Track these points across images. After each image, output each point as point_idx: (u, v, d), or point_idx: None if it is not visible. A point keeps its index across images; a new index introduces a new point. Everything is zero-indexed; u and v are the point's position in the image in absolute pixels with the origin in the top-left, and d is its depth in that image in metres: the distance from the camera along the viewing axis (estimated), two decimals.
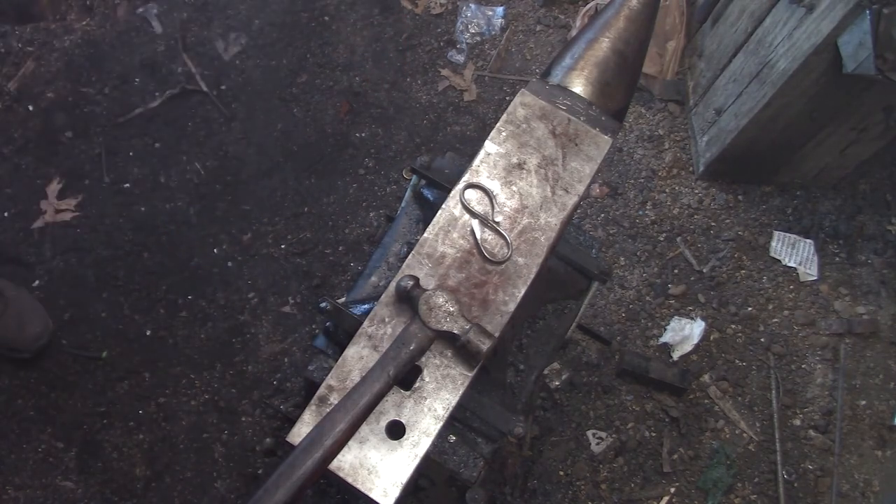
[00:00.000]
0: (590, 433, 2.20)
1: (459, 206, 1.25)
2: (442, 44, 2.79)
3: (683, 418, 2.23)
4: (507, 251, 1.23)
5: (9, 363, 2.15)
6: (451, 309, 1.11)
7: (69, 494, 2.04)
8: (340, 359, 1.14)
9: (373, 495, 1.06)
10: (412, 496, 1.31)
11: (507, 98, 2.66)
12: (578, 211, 2.40)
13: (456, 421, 1.26)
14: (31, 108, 2.55)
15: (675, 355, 2.31)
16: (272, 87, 2.65)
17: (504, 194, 1.27)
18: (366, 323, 1.16)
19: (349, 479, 1.06)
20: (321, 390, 1.11)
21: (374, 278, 1.41)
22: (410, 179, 1.54)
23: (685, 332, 2.33)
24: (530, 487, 2.11)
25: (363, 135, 2.58)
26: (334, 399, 1.10)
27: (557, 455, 2.16)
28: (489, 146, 1.31)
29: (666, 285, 2.42)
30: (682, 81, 2.69)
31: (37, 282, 2.29)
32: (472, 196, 1.27)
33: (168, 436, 2.13)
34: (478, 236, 1.23)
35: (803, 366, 2.33)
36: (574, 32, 2.78)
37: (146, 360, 2.21)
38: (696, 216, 2.54)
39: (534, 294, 1.24)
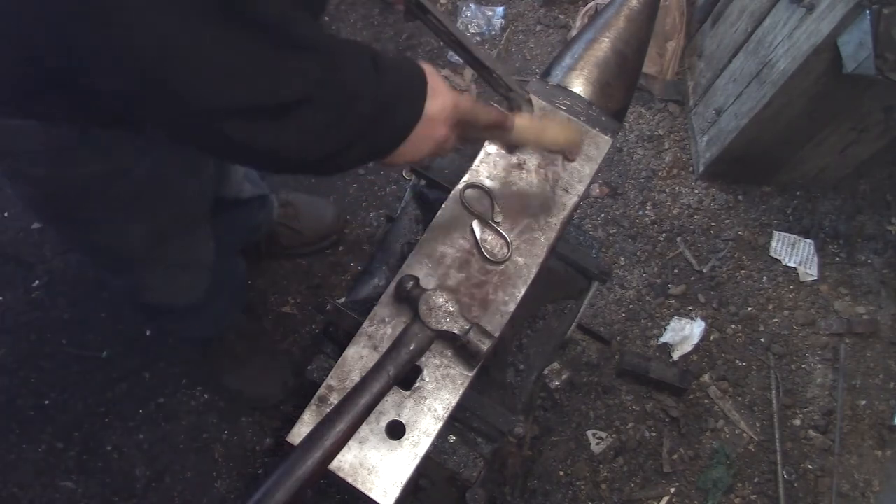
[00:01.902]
0: (590, 433, 2.20)
1: (459, 206, 1.25)
2: (442, 44, 2.78)
3: (683, 418, 2.23)
4: (507, 251, 1.23)
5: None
6: (451, 309, 1.12)
7: (69, 494, 2.04)
8: (340, 359, 1.14)
9: (373, 495, 1.06)
10: (412, 496, 1.32)
11: None
12: (578, 211, 2.40)
13: (456, 421, 1.26)
14: None
15: (675, 355, 2.31)
16: None
17: (504, 194, 1.27)
18: (366, 323, 1.16)
19: (349, 479, 1.07)
20: (321, 390, 1.12)
21: (374, 278, 1.41)
22: (410, 179, 1.54)
23: (685, 332, 2.33)
24: (530, 487, 2.11)
25: None
26: (334, 399, 1.10)
27: (557, 455, 2.16)
28: (489, 146, 1.31)
29: (666, 285, 2.42)
30: (682, 81, 2.69)
31: (37, 282, 2.28)
32: (472, 196, 1.27)
33: (168, 436, 2.13)
34: (478, 236, 1.23)
35: (803, 366, 2.33)
36: (574, 32, 2.78)
37: (146, 360, 2.21)
38: (696, 216, 2.54)
39: (534, 294, 1.24)
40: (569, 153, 1.26)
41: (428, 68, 1.04)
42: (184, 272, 1.62)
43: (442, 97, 1.03)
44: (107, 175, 1.20)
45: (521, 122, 1.16)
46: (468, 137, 1.14)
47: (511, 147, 1.25)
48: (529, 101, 1.24)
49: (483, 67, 1.23)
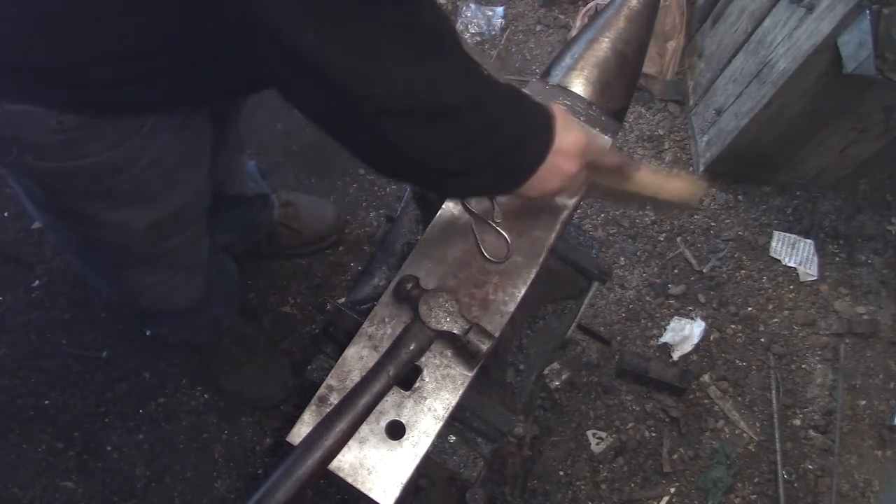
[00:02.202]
0: (590, 433, 2.20)
1: (459, 206, 1.25)
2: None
3: (683, 418, 2.23)
4: (507, 251, 1.23)
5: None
6: (451, 309, 1.12)
7: (69, 494, 2.04)
8: (340, 359, 1.14)
9: (373, 495, 1.06)
10: (412, 496, 1.32)
11: None
12: (578, 211, 2.40)
13: (456, 421, 1.26)
14: None
15: (675, 355, 2.31)
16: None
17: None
18: (366, 323, 1.16)
19: (349, 479, 1.07)
20: (321, 390, 1.12)
21: (374, 278, 1.41)
22: None
23: (685, 332, 2.33)
24: (530, 487, 2.11)
25: None
26: (334, 399, 1.10)
27: (557, 455, 2.16)
28: None
29: (666, 285, 2.42)
30: (682, 81, 2.69)
31: (37, 282, 2.29)
32: None
33: (168, 436, 2.13)
34: (478, 236, 1.23)
35: (803, 366, 2.33)
36: (574, 32, 2.78)
37: (146, 360, 2.21)
38: (696, 216, 2.54)
39: (534, 294, 1.24)
40: (684, 208, 1.27)
41: (557, 107, 1.09)
42: (179, 272, 1.63)
43: (575, 133, 1.08)
44: (110, 168, 1.21)
45: (643, 175, 1.18)
46: (594, 181, 1.17)
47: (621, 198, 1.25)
48: None
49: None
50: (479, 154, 0.98)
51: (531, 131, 1.04)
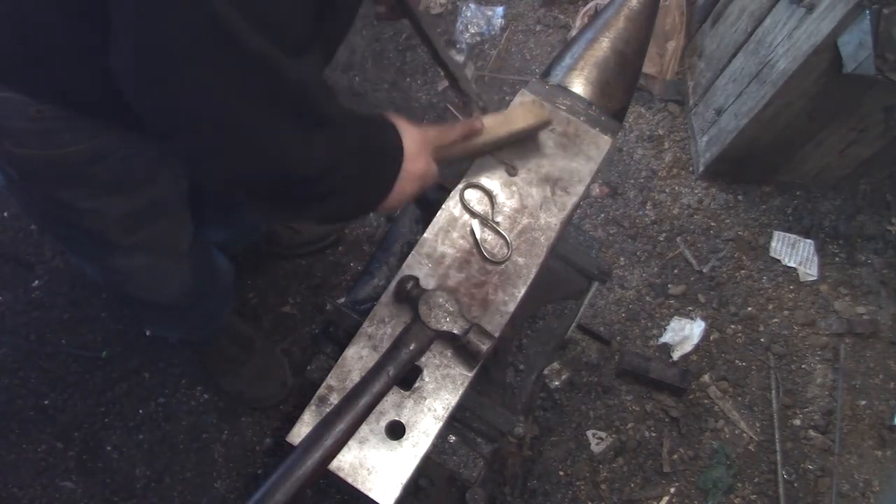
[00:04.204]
0: (590, 433, 2.20)
1: (459, 206, 1.26)
2: (442, 44, 2.78)
3: (683, 418, 2.23)
4: (507, 251, 1.23)
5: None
6: (451, 309, 1.12)
7: (69, 494, 2.04)
8: (340, 359, 1.14)
9: (373, 495, 1.06)
10: (412, 496, 1.32)
11: (507, 98, 2.65)
12: (578, 211, 2.40)
13: (456, 421, 1.26)
14: None
15: (675, 355, 2.31)
16: None
17: (504, 194, 1.27)
18: (366, 323, 1.16)
19: (349, 479, 1.07)
20: (321, 390, 1.12)
21: (374, 278, 1.41)
22: None
23: (685, 332, 2.33)
24: (530, 487, 2.11)
25: None
26: (334, 399, 1.10)
27: (557, 455, 2.16)
28: None
29: (666, 285, 2.42)
30: (682, 81, 2.69)
31: (37, 282, 2.29)
32: (472, 196, 1.27)
33: (168, 436, 2.13)
34: (478, 236, 1.23)
35: (803, 366, 2.33)
36: (574, 32, 2.78)
37: (146, 360, 2.21)
38: (696, 216, 2.54)
39: (534, 294, 1.24)
40: (542, 129, 1.31)
41: (394, 117, 1.15)
42: (160, 258, 1.63)
43: (413, 135, 1.14)
44: (87, 158, 1.23)
45: (489, 123, 1.24)
46: (449, 159, 1.22)
47: (509, 168, 1.30)
48: (484, 109, 1.29)
49: (447, 71, 1.29)
50: (332, 203, 1.06)
51: (382, 161, 1.10)
